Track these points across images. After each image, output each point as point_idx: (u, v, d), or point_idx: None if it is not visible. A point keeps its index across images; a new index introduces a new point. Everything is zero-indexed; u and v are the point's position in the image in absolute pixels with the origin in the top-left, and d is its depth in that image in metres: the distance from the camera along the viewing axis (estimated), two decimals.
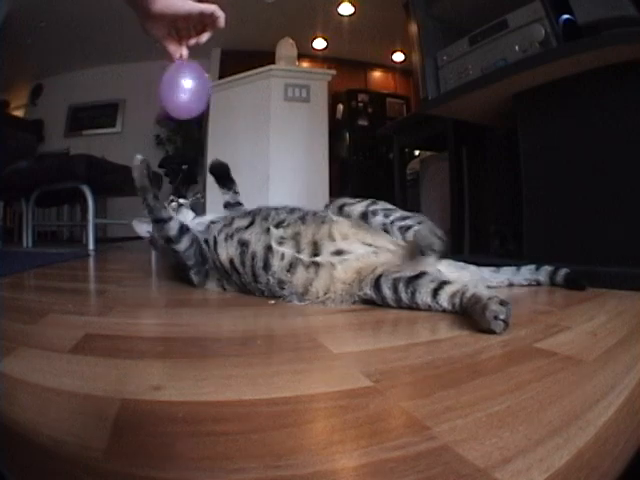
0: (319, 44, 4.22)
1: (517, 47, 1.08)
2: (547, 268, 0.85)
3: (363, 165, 3.88)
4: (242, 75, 2.28)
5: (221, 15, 0.67)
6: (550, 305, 0.67)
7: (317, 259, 0.70)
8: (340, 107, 4.02)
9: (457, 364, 0.39)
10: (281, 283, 0.72)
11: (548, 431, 0.26)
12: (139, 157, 0.78)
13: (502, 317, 0.48)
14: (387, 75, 4.73)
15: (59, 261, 1.43)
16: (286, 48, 2.42)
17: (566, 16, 0.99)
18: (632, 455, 0.25)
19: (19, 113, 4.45)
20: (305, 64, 4.08)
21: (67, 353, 0.40)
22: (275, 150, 2.20)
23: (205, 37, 0.69)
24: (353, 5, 3.59)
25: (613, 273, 0.85)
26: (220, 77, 3.17)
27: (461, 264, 0.80)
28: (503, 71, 1.09)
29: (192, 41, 0.69)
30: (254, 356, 0.42)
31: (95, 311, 0.66)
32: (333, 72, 2.43)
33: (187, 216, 0.94)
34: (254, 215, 0.81)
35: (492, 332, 0.48)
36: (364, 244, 0.72)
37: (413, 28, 1.61)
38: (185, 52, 0.69)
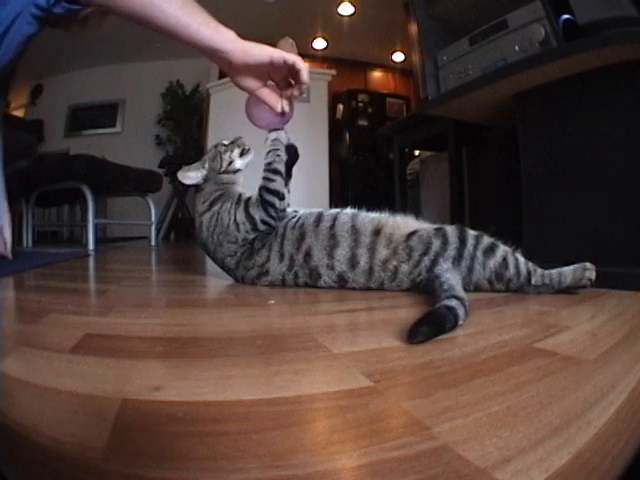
0: (319, 44, 4.22)
1: (517, 47, 1.08)
2: None
3: (363, 165, 3.87)
4: None
5: (302, 68, 0.66)
6: (550, 305, 0.67)
7: None
8: (340, 107, 4.02)
9: (457, 364, 0.39)
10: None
11: (548, 431, 0.26)
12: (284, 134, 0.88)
13: None
14: (387, 75, 4.73)
15: (59, 261, 1.43)
16: (286, 48, 2.42)
17: (566, 16, 0.99)
18: (632, 455, 0.25)
19: (19, 113, 4.45)
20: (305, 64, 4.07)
21: (67, 353, 0.40)
22: None
23: (296, 92, 0.70)
24: (353, 5, 3.59)
25: (613, 273, 0.85)
26: (220, 77, 3.17)
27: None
28: (503, 71, 1.09)
29: (288, 92, 0.70)
30: (254, 356, 0.42)
31: (95, 311, 0.66)
32: (333, 72, 2.44)
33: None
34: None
35: None
36: None
37: (413, 28, 1.61)
38: (286, 106, 0.70)
